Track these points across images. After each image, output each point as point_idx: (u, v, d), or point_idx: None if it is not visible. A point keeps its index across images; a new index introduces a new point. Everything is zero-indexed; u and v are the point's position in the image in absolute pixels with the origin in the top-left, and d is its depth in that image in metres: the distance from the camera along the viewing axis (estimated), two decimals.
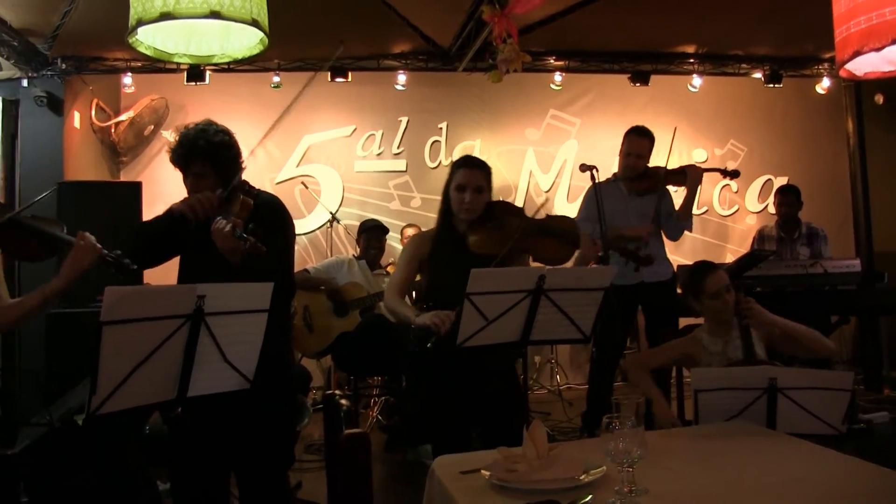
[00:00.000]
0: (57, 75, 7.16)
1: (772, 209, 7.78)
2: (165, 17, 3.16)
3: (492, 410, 3.28)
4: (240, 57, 3.78)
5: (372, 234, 6.19)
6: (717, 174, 5.72)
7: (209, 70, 7.59)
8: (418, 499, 2.47)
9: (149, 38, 3.53)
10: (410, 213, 8.41)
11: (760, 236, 6.84)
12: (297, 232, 4.43)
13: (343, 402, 2.79)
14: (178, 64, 7.02)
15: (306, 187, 8.09)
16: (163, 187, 7.61)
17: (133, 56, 7.29)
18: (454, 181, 3.36)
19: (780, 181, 8.52)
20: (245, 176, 3.11)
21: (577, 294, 2.90)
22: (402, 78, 8.06)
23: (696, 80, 8.29)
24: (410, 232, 7.54)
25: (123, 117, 7.86)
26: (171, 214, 2.87)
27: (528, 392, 4.23)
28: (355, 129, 8.44)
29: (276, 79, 7.80)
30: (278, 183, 8.16)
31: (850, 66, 3.57)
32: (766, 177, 8.98)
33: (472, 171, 3.35)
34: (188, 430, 2.89)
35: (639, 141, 5.37)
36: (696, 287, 3.72)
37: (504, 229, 3.31)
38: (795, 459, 2.39)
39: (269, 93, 7.88)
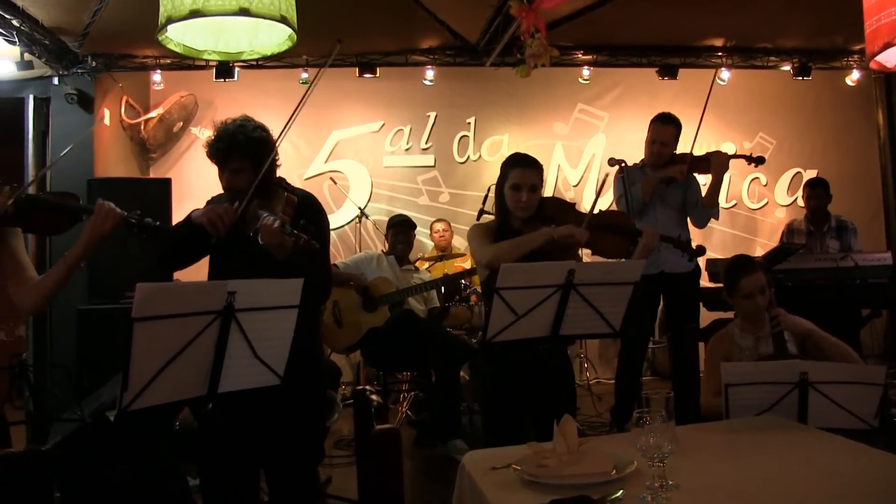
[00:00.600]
0: (87, 73, 7.21)
1: (801, 202, 7.72)
2: (195, 14, 3.18)
3: (548, 398, 3.29)
4: (268, 53, 3.79)
5: (399, 229, 6.18)
6: (743, 161, 5.69)
7: (238, 66, 7.62)
8: (448, 494, 2.48)
9: (178, 36, 3.54)
10: (439, 208, 8.43)
11: (789, 230, 6.80)
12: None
13: (374, 397, 2.80)
14: (207, 61, 7.05)
15: (335, 183, 8.12)
16: (192, 183, 7.68)
17: (162, 53, 7.33)
18: (509, 181, 3.37)
19: (810, 174, 8.48)
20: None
21: (606, 288, 2.89)
22: (430, 73, 8.03)
23: (725, 74, 8.20)
24: (439, 227, 7.53)
25: (153, 114, 7.92)
26: (192, 223, 2.89)
27: None
28: (383, 125, 8.47)
29: (305, 75, 7.80)
30: (307, 179, 8.21)
31: (880, 57, 3.54)
32: (795, 170, 8.91)
33: (526, 171, 3.36)
34: (218, 425, 2.90)
35: (664, 128, 5.35)
36: (731, 284, 3.69)
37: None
38: (827, 454, 2.38)
39: (298, 89, 7.82)
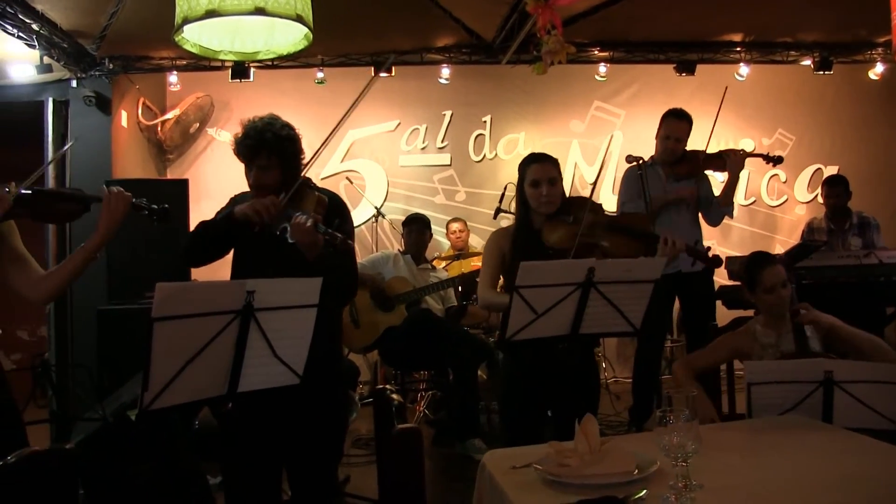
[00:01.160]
0: (104, 75, 7.23)
1: (821, 199, 7.65)
2: (211, 14, 3.18)
3: (568, 397, 3.29)
4: (284, 53, 3.80)
5: (415, 228, 6.18)
6: (760, 160, 5.64)
7: (253, 66, 7.62)
8: (468, 493, 2.47)
9: (194, 36, 3.55)
10: (455, 206, 8.41)
11: (809, 229, 6.71)
12: None
13: (394, 396, 2.79)
14: (223, 61, 7.07)
15: (351, 182, 8.11)
16: (208, 184, 7.70)
17: (178, 54, 7.35)
18: (527, 178, 3.40)
19: (831, 170, 8.36)
20: None
21: (627, 286, 2.88)
22: (445, 72, 8.00)
23: (744, 69, 8.14)
24: (455, 227, 7.53)
25: (169, 115, 7.96)
26: (233, 218, 2.89)
27: None
28: (399, 124, 8.46)
29: (320, 74, 7.79)
30: (323, 178, 8.18)
31: None
32: (815, 166, 8.82)
33: (543, 165, 3.40)
34: (239, 425, 2.91)
35: (678, 124, 5.31)
36: (752, 280, 3.65)
37: (577, 224, 3.30)
38: (854, 455, 2.35)
39: (314, 88, 7.85)
